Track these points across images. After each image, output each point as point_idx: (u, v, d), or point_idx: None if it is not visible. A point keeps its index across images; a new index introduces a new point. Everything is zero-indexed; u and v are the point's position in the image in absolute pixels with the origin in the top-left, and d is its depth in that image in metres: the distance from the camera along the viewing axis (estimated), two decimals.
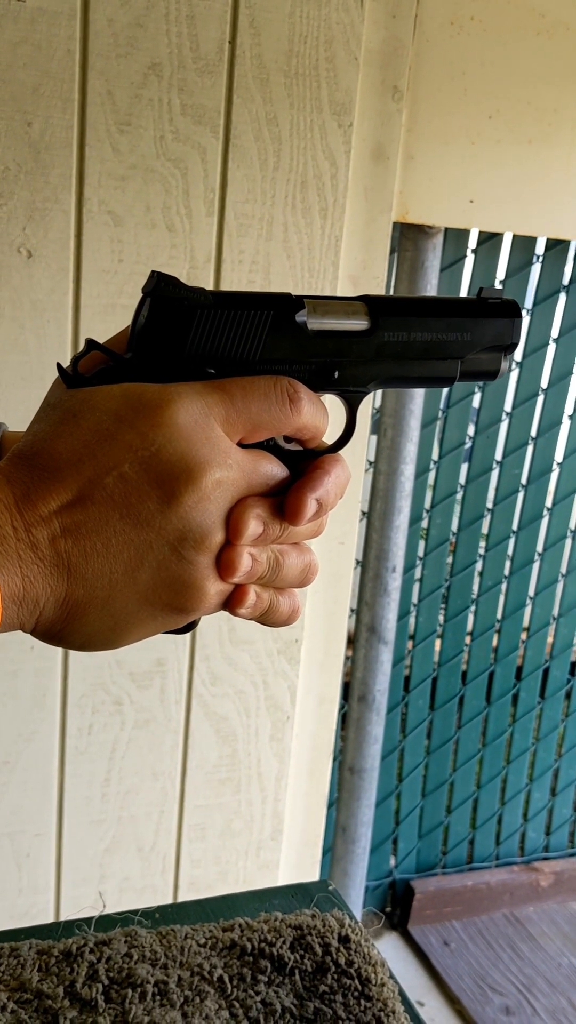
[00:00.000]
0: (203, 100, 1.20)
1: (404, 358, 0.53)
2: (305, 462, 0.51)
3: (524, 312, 1.77)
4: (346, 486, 0.52)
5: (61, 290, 1.20)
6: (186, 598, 0.46)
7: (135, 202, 1.21)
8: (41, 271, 1.19)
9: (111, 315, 1.23)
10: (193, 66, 1.19)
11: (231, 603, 0.49)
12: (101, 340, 0.49)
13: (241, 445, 0.48)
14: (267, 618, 0.51)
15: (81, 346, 1.23)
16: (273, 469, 0.49)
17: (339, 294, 1.35)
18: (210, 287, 1.27)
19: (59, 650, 1.32)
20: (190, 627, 0.50)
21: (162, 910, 0.73)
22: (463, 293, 1.70)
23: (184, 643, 1.38)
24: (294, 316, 0.50)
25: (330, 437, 0.54)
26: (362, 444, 1.45)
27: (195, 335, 0.47)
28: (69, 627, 0.45)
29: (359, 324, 0.51)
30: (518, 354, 1.82)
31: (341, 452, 0.53)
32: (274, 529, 0.48)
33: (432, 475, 1.83)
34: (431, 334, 0.53)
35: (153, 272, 0.47)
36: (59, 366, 0.48)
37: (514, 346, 0.55)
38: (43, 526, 0.43)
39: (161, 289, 0.47)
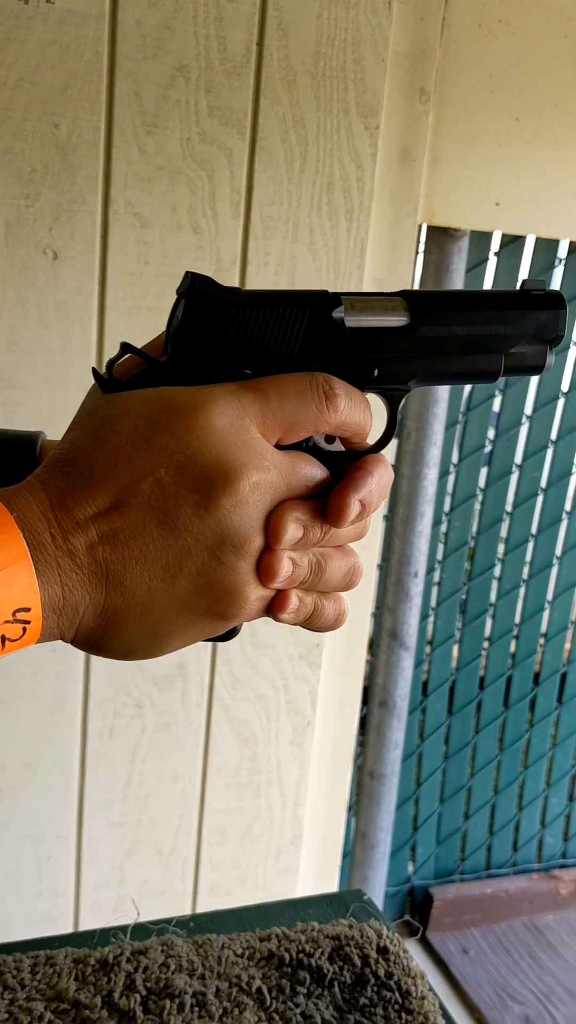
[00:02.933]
0: (230, 102, 1.20)
1: (445, 353, 0.51)
2: (347, 463, 0.49)
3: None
4: (389, 486, 0.51)
5: (86, 291, 1.20)
6: (226, 604, 0.45)
7: (161, 204, 1.20)
8: (67, 272, 1.19)
9: (136, 317, 1.22)
10: (220, 68, 1.18)
11: (273, 608, 0.48)
12: (127, 342, 0.49)
13: (279, 446, 0.47)
14: (311, 623, 0.50)
15: (106, 348, 1.22)
16: (312, 470, 0.48)
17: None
18: None
19: (81, 653, 1.32)
20: (232, 634, 0.50)
21: (196, 919, 0.73)
22: None
23: (205, 647, 1.37)
24: (331, 313, 0.48)
25: (371, 437, 0.53)
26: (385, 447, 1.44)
27: (231, 334, 0.46)
28: (108, 635, 0.45)
29: (398, 320, 0.50)
30: None
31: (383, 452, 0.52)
32: (315, 532, 0.47)
33: (451, 479, 1.82)
34: (472, 328, 0.51)
35: (187, 272, 0.47)
36: (95, 371, 0.47)
37: (559, 338, 0.53)
38: (80, 533, 0.43)
39: (196, 289, 0.46)
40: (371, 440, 0.52)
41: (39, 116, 1.13)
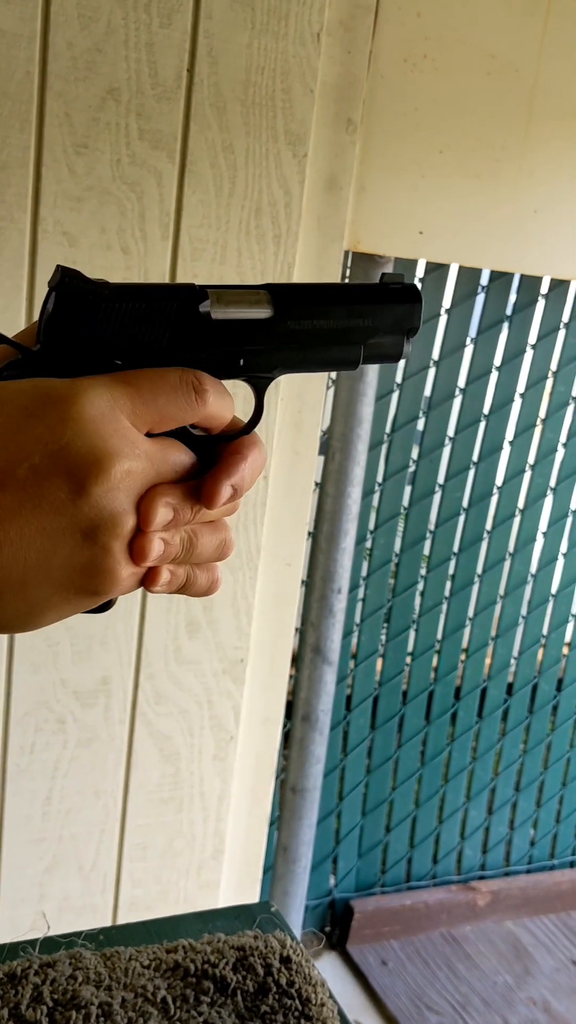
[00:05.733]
0: (160, 126, 1.22)
1: (308, 345, 0.54)
2: (219, 446, 0.52)
3: (468, 341, 1.81)
4: (261, 469, 0.53)
5: (14, 308, 1.21)
6: (99, 582, 0.48)
7: (90, 223, 1.22)
8: None
9: None
10: (151, 92, 1.20)
11: (146, 582, 0.50)
12: None
13: (149, 434, 0.49)
14: (186, 591, 0.53)
15: None
16: (181, 457, 0.50)
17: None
18: None
19: (2, 668, 1.31)
20: (107, 606, 0.51)
21: (106, 932, 0.74)
22: None
23: (129, 662, 1.38)
24: (198, 306, 0.50)
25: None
26: (309, 466, 1.47)
27: (100, 326, 0.48)
28: None
29: (262, 313, 0.52)
30: (462, 380, 1.87)
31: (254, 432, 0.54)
32: (185, 513, 0.50)
33: (376, 497, 1.86)
34: (334, 321, 0.54)
35: (58, 266, 0.48)
36: None
37: (415, 330, 0.56)
38: None
39: (66, 283, 0.48)
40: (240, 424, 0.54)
41: None
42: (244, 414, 0.55)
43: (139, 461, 0.47)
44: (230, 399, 0.52)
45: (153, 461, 0.48)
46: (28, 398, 0.46)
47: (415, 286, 0.56)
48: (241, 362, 0.52)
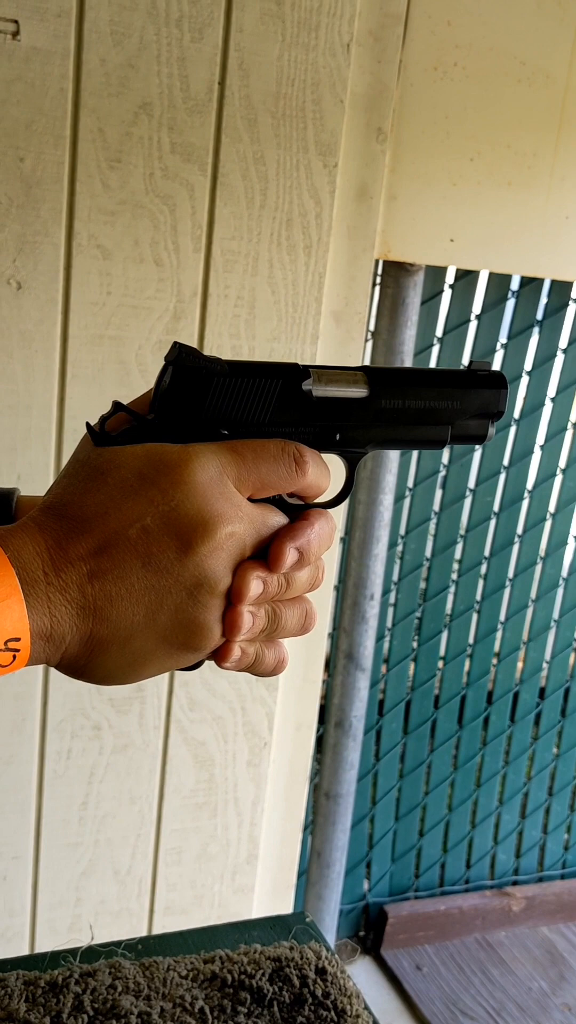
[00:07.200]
0: (192, 139, 1.23)
1: (399, 423, 0.58)
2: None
3: (499, 346, 1.81)
4: (331, 538, 0.56)
5: (50, 321, 1.22)
6: (200, 638, 0.51)
7: (124, 237, 1.23)
8: (30, 302, 1.21)
9: (98, 346, 1.25)
10: (183, 106, 1.21)
11: (217, 657, 0.53)
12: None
13: (250, 499, 0.52)
14: (253, 670, 0.56)
15: (68, 376, 1.25)
16: (279, 520, 0.53)
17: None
18: (196, 320, 1.30)
19: (39, 675, 1.33)
20: (199, 664, 0.55)
21: (144, 942, 0.75)
22: (440, 327, 1.73)
23: None
24: (300, 384, 0.55)
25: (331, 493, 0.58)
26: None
27: (211, 400, 0.53)
28: (92, 663, 0.50)
29: (359, 392, 0.56)
30: None
31: (337, 506, 0.58)
32: (273, 585, 0.53)
33: (407, 502, 1.87)
34: (424, 402, 0.58)
35: (175, 343, 0.52)
36: (88, 425, 0.53)
37: (500, 414, 0.60)
38: (72, 571, 0.48)
39: (182, 359, 0.52)
40: (331, 495, 0.58)
41: (4, 150, 1.15)
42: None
43: (241, 524, 0.51)
44: (327, 470, 0.56)
45: (254, 523, 0.52)
46: (142, 462, 0.50)
47: (501, 374, 0.60)
48: (337, 437, 0.56)
